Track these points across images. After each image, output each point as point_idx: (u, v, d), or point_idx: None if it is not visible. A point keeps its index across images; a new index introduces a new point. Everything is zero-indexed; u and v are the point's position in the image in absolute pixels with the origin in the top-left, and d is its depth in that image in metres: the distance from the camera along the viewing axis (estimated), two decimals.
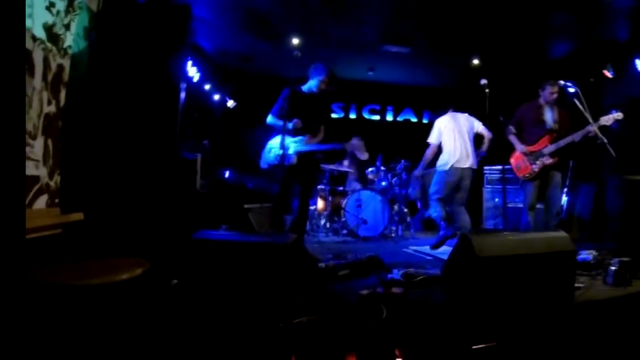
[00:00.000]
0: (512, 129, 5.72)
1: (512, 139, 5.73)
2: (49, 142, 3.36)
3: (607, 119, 5.08)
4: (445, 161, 6.07)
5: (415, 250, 6.12)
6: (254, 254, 3.07)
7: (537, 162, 5.45)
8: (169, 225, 3.94)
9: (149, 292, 2.78)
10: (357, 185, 8.29)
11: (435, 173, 6.26)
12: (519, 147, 5.62)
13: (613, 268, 3.84)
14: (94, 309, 2.30)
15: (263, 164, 5.16)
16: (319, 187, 7.86)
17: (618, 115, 5.09)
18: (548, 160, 5.41)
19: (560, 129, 5.48)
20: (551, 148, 5.40)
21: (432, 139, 6.30)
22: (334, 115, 11.12)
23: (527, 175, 5.53)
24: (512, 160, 5.78)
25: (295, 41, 7.58)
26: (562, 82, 5.28)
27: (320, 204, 8.04)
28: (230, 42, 8.19)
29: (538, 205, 5.81)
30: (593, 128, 5.05)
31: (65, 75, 3.56)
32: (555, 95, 5.53)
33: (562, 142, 5.35)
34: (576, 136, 5.26)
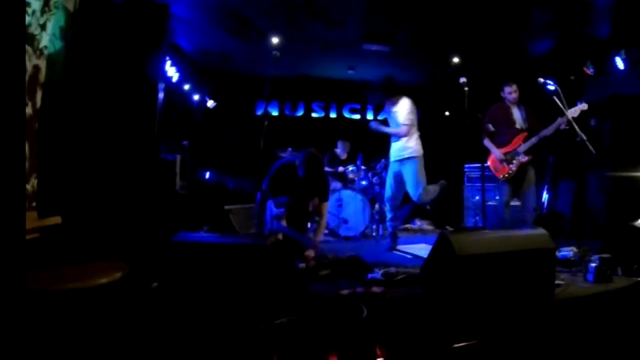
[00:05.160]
0: (486, 131, 5.78)
1: (487, 143, 5.80)
2: (25, 144, 3.31)
3: (574, 111, 5.15)
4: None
5: (396, 250, 6.12)
6: (234, 255, 3.06)
7: (514, 162, 5.55)
8: (148, 228, 3.91)
9: (129, 295, 2.76)
10: (338, 185, 8.24)
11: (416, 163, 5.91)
12: (496, 153, 5.71)
13: (593, 265, 3.89)
14: (74, 314, 2.27)
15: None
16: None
17: (583, 106, 5.17)
18: (524, 159, 5.52)
19: (529, 127, 5.61)
20: (525, 146, 5.52)
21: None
22: (314, 115, 11.16)
23: (506, 175, 5.61)
24: (489, 162, 5.85)
25: (275, 40, 7.53)
26: (541, 79, 5.32)
27: None
28: (210, 41, 8.11)
29: (515, 202, 5.91)
30: (563, 120, 5.16)
31: (42, 76, 3.50)
32: (515, 95, 5.71)
33: (535, 139, 5.46)
34: (547, 131, 5.38)
